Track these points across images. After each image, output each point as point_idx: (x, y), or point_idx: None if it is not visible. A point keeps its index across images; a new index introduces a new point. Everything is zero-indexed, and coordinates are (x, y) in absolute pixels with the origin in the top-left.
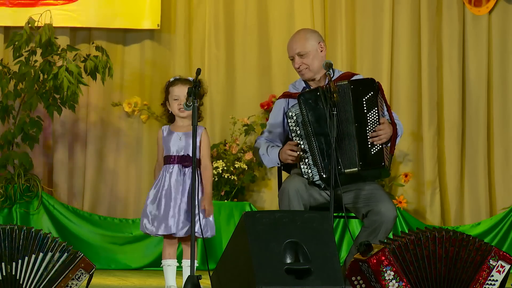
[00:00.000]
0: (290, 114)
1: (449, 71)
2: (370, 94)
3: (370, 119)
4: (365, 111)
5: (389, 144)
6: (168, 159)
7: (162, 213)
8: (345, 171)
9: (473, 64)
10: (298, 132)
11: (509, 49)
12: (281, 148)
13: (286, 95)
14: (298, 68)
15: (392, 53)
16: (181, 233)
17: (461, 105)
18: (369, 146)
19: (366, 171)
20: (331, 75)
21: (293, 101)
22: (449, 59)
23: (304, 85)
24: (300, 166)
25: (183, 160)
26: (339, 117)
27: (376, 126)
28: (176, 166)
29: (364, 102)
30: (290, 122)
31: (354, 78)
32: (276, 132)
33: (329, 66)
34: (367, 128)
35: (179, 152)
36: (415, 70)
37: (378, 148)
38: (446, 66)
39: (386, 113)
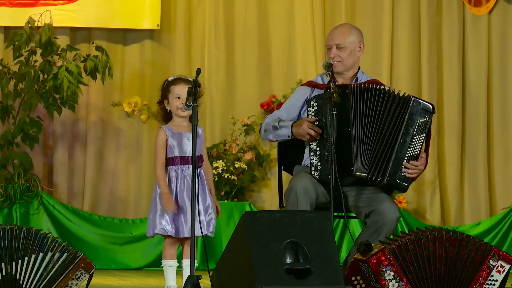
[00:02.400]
0: (312, 103)
1: (449, 71)
2: (424, 119)
3: (415, 143)
4: (414, 133)
5: None
6: (183, 160)
7: (187, 215)
8: (357, 173)
9: (473, 64)
10: (317, 123)
11: (509, 49)
12: (295, 122)
13: (312, 84)
14: (333, 59)
15: (392, 53)
16: (209, 230)
17: (461, 105)
18: (402, 167)
19: (388, 187)
20: (331, 75)
21: (317, 92)
22: (449, 59)
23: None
24: (310, 158)
25: (199, 160)
26: (375, 120)
27: (417, 151)
28: (190, 166)
29: (417, 125)
30: (310, 110)
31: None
32: (290, 115)
33: (329, 66)
34: (409, 150)
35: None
36: (415, 70)
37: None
38: (446, 66)
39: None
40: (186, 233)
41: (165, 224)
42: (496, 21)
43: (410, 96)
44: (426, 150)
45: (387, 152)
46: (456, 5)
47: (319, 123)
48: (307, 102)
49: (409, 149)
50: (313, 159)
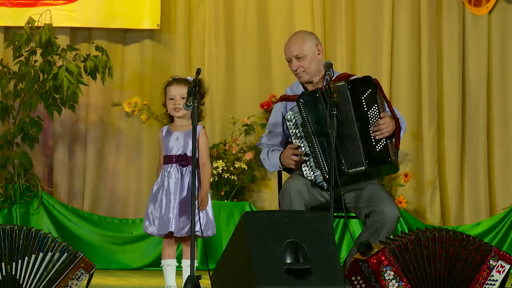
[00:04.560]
0: (289, 117)
1: (449, 71)
2: (368, 92)
3: (371, 116)
4: (365, 109)
5: (393, 139)
6: (167, 159)
7: (163, 213)
8: (349, 171)
9: (473, 64)
10: (298, 134)
11: (509, 49)
12: (282, 152)
13: (284, 98)
14: (296, 70)
15: (392, 53)
16: (182, 233)
17: (461, 105)
18: (373, 143)
19: (373, 169)
20: (331, 75)
21: (291, 104)
22: (449, 59)
23: (302, 89)
24: (302, 169)
25: (181, 160)
26: (340, 118)
27: (377, 122)
28: (174, 165)
29: (364, 101)
30: (290, 124)
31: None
32: (276, 136)
33: (329, 66)
34: (369, 126)
35: (177, 151)
36: (415, 70)
37: (383, 144)
38: (446, 66)
39: (387, 109)
40: (166, 230)
41: (147, 224)
42: (496, 21)
43: (343, 81)
44: (392, 113)
45: (353, 141)
46: (456, 5)
47: (301, 133)
48: (284, 118)
49: (369, 125)
50: (306, 170)
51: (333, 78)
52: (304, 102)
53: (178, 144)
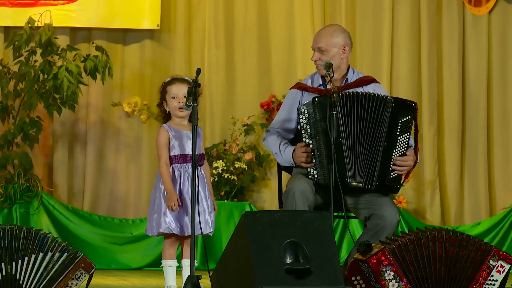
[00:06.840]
0: (303, 110)
1: (449, 71)
2: (407, 118)
3: (400, 143)
4: (398, 133)
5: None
6: (185, 158)
7: (186, 214)
8: (352, 184)
9: (473, 64)
10: (309, 131)
11: (509, 49)
12: (294, 150)
13: (302, 88)
14: (315, 62)
15: (392, 53)
16: (211, 229)
17: (461, 105)
18: (390, 169)
19: (379, 191)
20: (331, 75)
21: (307, 95)
22: (449, 59)
23: (321, 82)
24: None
25: (199, 159)
26: (369, 131)
27: (403, 151)
28: (190, 165)
29: (400, 125)
30: (302, 118)
31: (373, 87)
32: (289, 126)
33: (328, 66)
34: (394, 151)
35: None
36: (415, 70)
37: (397, 173)
38: (446, 66)
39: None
40: (187, 231)
41: (169, 223)
42: (496, 21)
43: (390, 97)
44: (415, 147)
45: (373, 157)
46: (456, 5)
47: (311, 130)
48: (297, 109)
49: (394, 150)
50: (311, 168)
51: (355, 79)
52: (319, 102)
53: (191, 143)
